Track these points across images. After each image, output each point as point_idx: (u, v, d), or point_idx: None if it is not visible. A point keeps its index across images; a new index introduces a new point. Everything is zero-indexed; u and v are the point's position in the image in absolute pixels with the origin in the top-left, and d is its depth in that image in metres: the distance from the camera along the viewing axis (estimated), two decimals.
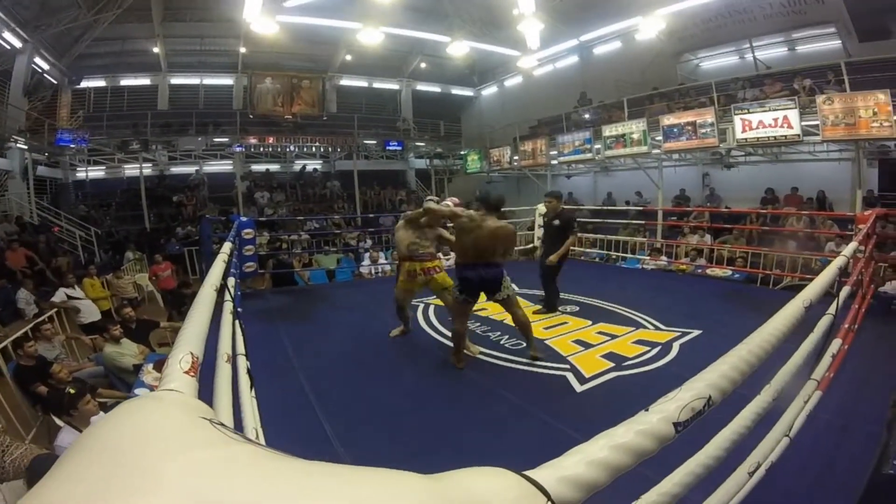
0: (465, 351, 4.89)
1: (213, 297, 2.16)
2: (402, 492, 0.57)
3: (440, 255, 5.76)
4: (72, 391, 4.65)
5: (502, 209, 4.81)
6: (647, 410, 0.95)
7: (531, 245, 10.62)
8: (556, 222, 6.62)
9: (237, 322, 3.34)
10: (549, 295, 6.73)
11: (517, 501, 0.60)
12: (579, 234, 12.06)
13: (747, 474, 1.99)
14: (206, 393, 1.99)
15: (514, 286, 4.81)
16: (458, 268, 4.70)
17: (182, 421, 0.73)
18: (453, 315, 4.93)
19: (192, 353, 1.23)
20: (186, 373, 1.13)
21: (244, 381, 2.84)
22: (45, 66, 17.52)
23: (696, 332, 5.51)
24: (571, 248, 6.89)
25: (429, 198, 5.66)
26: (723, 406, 1.10)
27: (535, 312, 6.57)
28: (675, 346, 5.13)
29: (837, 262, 2.70)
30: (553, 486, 0.66)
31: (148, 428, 0.68)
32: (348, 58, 22.43)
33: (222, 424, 0.71)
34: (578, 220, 13.44)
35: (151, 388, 4.97)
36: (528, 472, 0.66)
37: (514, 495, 0.61)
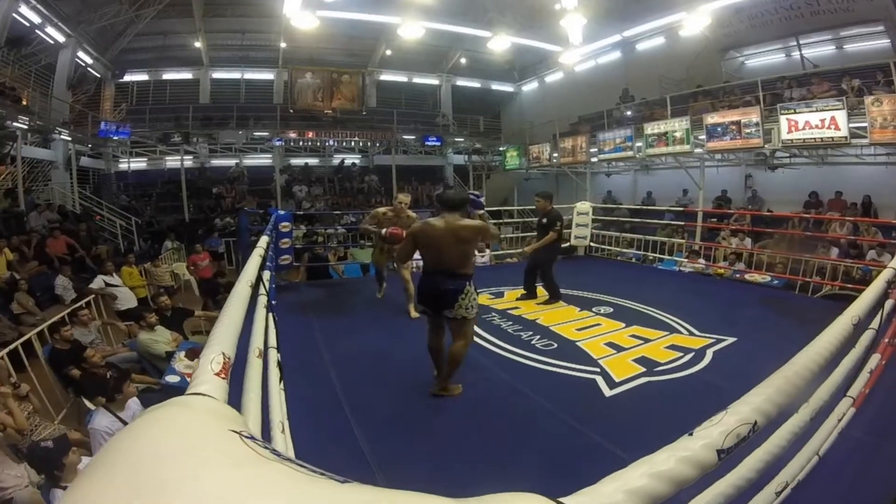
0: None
1: (247, 294, 2.17)
2: None
3: None
4: (115, 375, 4.77)
5: (461, 208, 4.19)
6: (691, 435, 0.90)
7: (568, 244, 10.53)
8: (544, 220, 7.18)
9: (271, 315, 3.36)
10: (548, 288, 7.19)
11: None
12: (618, 234, 11.95)
13: (774, 494, 1.92)
14: (236, 386, 2.00)
15: (475, 309, 4.11)
16: (420, 276, 4.28)
17: (210, 435, 0.72)
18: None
19: (223, 354, 1.22)
20: (217, 374, 1.12)
21: (274, 373, 2.85)
22: (89, 60, 17.98)
23: (731, 340, 5.38)
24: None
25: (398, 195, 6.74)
26: None
27: (517, 298, 7.31)
28: (709, 354, 5.01)
29: (885, 276, 2.58)
30: None
31: (174, 441, 0.68)
32: (388, 53, 22.56)
33: (252, 438, 0.71)
34: (618, 219, 13.36)
35: (182, 376, 5.06)
36: (563, 500, 0.63)
37: None
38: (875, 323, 2.68)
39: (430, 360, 4.36)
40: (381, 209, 6.60)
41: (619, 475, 0.76)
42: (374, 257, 7.21)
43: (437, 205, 4.34)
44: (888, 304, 3.31)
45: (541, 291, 7.45)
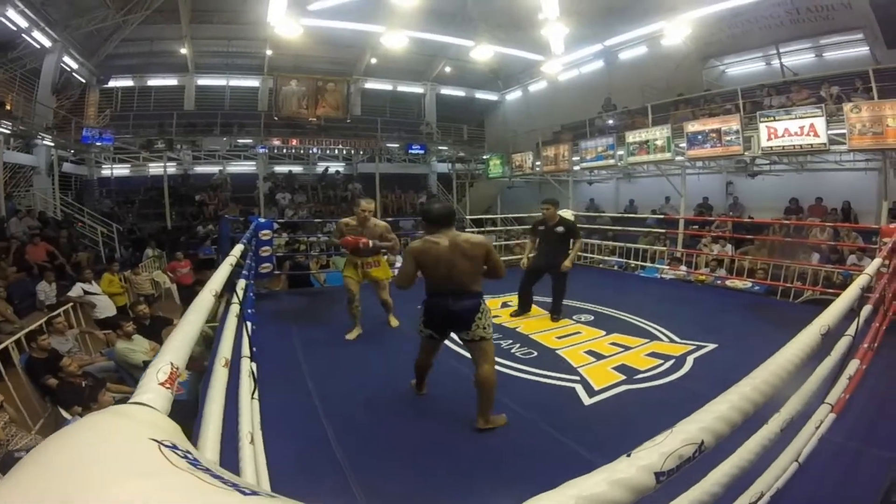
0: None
1: (210, 304, 2.12)
2: None
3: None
4: (90, 384, 4.72)
5: (450, 221, 3.82)
6: (628, 456, 0.86)
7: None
8: (560, 229, 6.59)
9: (246, 324, 3.33)
10: (557, 301, 6.70)
11: None
12: (600, 242, 11.98)
13: None
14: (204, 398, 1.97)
15: (491, 327, 3.82)
16: (425, 298, 3.88)
17: (127, 443, 0.72)
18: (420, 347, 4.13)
19: (171, 364, 1.20)
20: (162, 384, 1.11)
21: (245, 384, 2.81)
22: (74, 66, 17.90)
23: (712, 346, 5.38)
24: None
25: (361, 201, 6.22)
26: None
27: (511, 315, 6.83)
28: (690, 360, 5.01)
29: (860, 282, 2.57)
30: None
31: (93, 450, 0.68)
32: (373, 61, 22.64)
33: (174, 447, 0.71)
34: (600, 227, 13.40)
35: None
36: None
37: None
38: (851, 329, 2.66)
39: (415, 374, 4.23)
40: (345, 220, 6.18)
41: (546, 497, 0.73)
42: (343, 273, 6.15)
43: (424, 222, 3.90)
44: (865, 309, 3.32)
45: (534, 310, 7.29)
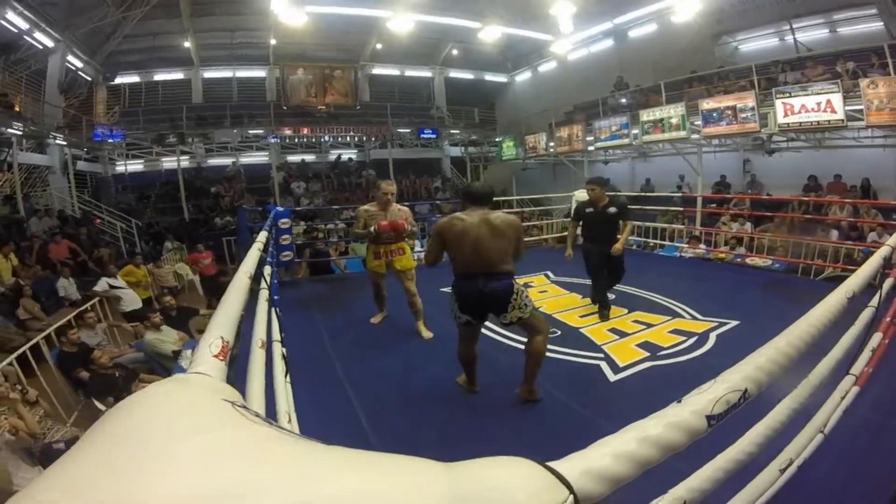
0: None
1: (246, 285, 2.17)
2: (419, 479, 0.57)
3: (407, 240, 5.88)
4: (123, 375, 4.81)
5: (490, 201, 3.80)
6: (679, 402, 0.90)
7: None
8: (613, 210, 5.96)
9: (274, 309, 3.38)
10: (601, 289, 6.12)
11: (538, 493, 0.58)
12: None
13: (778, 471, 1.93)
14: (240, 378, 2.02)
15: (530, 305, 3.69)
16: (454, 280, 3.75)
17: (203, 403, 0.74)
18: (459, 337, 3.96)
19: (222, 338, 1.24)
20: (215, 356, 1.14)
21: (279, 367, 2.87)
22: (79, 64, 17.89)
23: (734, 323, 5.39)
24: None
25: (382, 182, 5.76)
26: (757, 400, 1.05)
27: (601, 317, 5.89)
28: (712, 337, 5.03)
29: (882, 252, 2.58)
30: (577, 478, 0.64)
31: (168, 410, 0.70)
32: (379, 47, 22.47)
33: (245, 407, 0.72)
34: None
35: None
36: (551, 464, 0.64)
37: (535, 487, 0.59)
38: (874, 301, 2.68)
39: (463, 370, 4.03)
40: (364, 207, 5.70)
41: (608, 440, 0.77)
42: (367, 266, 5.89)
43: (461, 198, 3.88)
44: (888, 282, 3.31)
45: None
